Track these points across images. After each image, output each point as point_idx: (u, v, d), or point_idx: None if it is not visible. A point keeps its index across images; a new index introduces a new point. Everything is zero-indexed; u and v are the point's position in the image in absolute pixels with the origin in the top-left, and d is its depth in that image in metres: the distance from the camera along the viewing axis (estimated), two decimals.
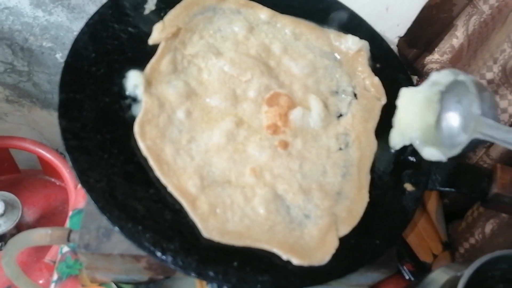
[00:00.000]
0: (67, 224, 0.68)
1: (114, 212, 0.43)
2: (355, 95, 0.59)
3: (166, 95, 0.51)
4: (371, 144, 0.55)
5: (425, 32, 0.94)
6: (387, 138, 0.55)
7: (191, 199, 0.46)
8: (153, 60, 0.53)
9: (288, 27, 0.62)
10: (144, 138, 0.48)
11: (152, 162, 0.47)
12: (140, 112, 0.49)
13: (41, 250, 0.98)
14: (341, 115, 0.57)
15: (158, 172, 0.46)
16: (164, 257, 0.42)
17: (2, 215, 0.95)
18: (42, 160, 1.13)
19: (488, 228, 0.67)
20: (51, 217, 1.11)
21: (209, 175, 0.48)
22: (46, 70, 1.01)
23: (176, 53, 0.55)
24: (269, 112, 0.54)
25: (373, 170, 0.53)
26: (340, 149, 0.54)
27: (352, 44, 0.62)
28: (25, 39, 0.93)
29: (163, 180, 0.46)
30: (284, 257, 0.44)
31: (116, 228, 0.42)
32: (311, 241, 0.46)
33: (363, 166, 0.53)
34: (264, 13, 0.62)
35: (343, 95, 0.58)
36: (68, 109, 0.47)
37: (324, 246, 0.46)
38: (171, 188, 0.46)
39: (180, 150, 0.49)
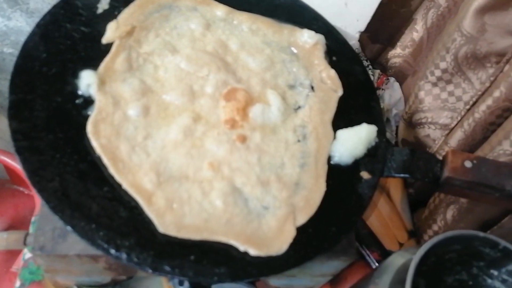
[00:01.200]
0: (30, 229, 0.67)
1: (67, 212, 0.42)
2: (312, 88, 0.59)
3: (121, 92, 0.51)
4: (328, 135, 0.55)
5: (387, 27, 0.96)
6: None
7: (146, 196, 0.46)
8: (107, 59, 0.53)
9: (245, 23, 0.63)
10: (98, 137, 0.47)
11: (106, 160, 0.46)
12: (93, 111, 0.49)
13: (9, 261, 0.96)
14: (299, 108, 0.57)
15: (112, 170, 0.46)
16: (118, 254, 0.41)
17: None
18: (9, 169, 1.11)
19: (449, 214, 0.68)
20: (20, 226, 1.09)
21: (165, 171, 0.48)
22: (8, 76, 0.99)
23: (131, 52, 0.55)
24: (226, 107, 0.54)
25: (330, 160, 0.54)
26: (298, 141, 0.54)
27: (308, 38, 0.62)
28: None
29: (118, 177, 0.46)
30: (241, 248, 0.44)
31: (69, 227, 0.41)
32: (269, 231, 0.47)
33: (321, 157, 0.53)
34: (220, 10, 0.63)
35: (300, 88, 0.59)
36: (18, 110, 0.46)
37: (281, 236, 0.46)
38: (126, 185, 0.46)
39: (136, 147, 0.48)
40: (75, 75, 0.50)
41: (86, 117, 0.48)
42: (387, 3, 0.88)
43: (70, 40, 0.53)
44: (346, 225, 0.49)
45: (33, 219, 0.67)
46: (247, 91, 0.56)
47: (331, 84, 0.60)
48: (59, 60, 0.51)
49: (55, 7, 0.54)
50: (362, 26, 0.87)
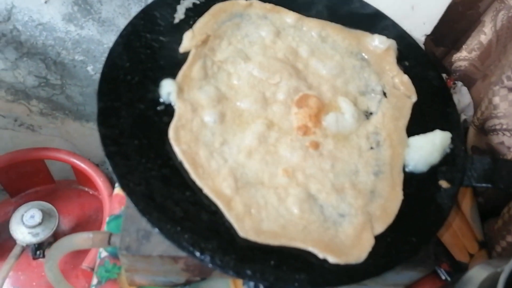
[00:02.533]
0: (104, 228, 0.70)
1: (154, 214, 0.44)
2: (384, 93, 0.59)
3: (198, 100, 0.53)
4: (403, 142, 0.55)
5: (452, 29, 0.93)
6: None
7: (226, 200, 0.47)
8: (184, 67, 0.55)
9: (314, 29, 0.63)
10: (179, 143, 0.49)
11: (187, 166, 0.48)
12: (174, 117, 0.51)
13: (78, 257, 1.01)
14: (371, 114, 0.57)
15: (193, 175, 0.48)
16: (202, 256, 0.43)
17: (40, 223, 0.99)
18: (76, 170, 1.16)
19: None
20: (85, 225, 1.14)
21: (242, 177, 0.49)
22: (78, 82, 1.05)
23: (206, 60, 0.56)
24: (299, 113, 0.54)
25: (405, 168, 0.53)
26: (372, 148, 0.54)
27: (379, 43, 0.62)
28: (57, 53, 0.97)
29: (199, 182, 0.47)
30: (320, 255, 0.45)
31: (156, 230, 0.43)
32: (346, 239, 0.47)
33: (396, 164, 0.53)
34: (290, 17, 0.63)
35: (372, 94, 0.58)
36: (106, 117, 0.48)
37: (360, 244, 0.46)
38: (206, 190, 0.47)
39: (213, 153, 0.50)
40: (156, 84, 0.53)
41: (167, 123, 0.50)
42: (453, 5, 0.85)
43: (150, 49, 0.55)
44: (425, 236, 0.48)
45: (107, 219, 0.70)
46: (319, 97, 0.56)
47: (404, 90, 0.59)
48: (140, 68, 0.53)
49: (135, 18, 0.57)
50: (429, 29, 0.85)
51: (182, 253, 0.43)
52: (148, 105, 0.51)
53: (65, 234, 1.11)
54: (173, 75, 0.54)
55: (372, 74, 0.60)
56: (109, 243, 0.52)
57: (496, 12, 0.84)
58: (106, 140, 0.47)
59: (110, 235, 0.52)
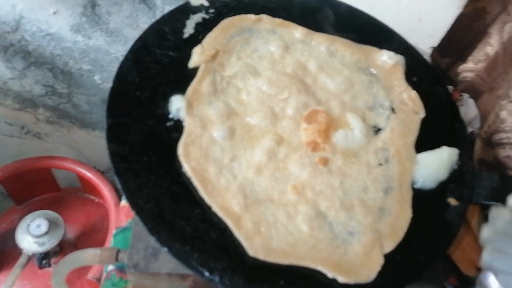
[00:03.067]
0: (111, 242, 0.70)
1: (163, 233, 0.44)
2: (392, 109, 0.59)
3: (208, 115, 0.53)
4: (411, 158, 0.55)
5: (458, 41, 0.93)
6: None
7: (235, 218, 0.47)
8: (194, 83, 0.55)
9: (323, 44, 0.63)
10: (189, 160, 0.49)
11: (196, 183, 0.48)
12: (183, 133, 0.51)
13: (83, 268, 1.00)
14: (379, 130, 0.57)
15: (202, 192, 0.48)
16: (212, 276, 0.42)
17: (46, 233, 0.99)
18: (81, 179, 1.17)
19: None
20: (91, 233, 1.14)
21: (252, 194, 0.49)
22: (85, 91, 1.05)
23: (215, 75, 0.57)
24: (308, 129, 0.54)
25: (413, 185, 0.53)
26: (380, 164, 0.54)
27: (388, 58, 0.62)
28: (65, 62, 0.97)
29: (208, 200, 0.47)
30: (330, 275, 0.44)
31: (165, 249, 0.43)
32: (355, 258, 0.46)
33: (405, 181, 0.53)
34: (298, 32, 0.63)
35: (380, 110, 0.58)
36: (116, 133, 0.48)
37: (369, 263, 0.46)
38: (215, 208, 0.47)
39: (223, 169, 0.50)
40: (165, 99, 0.53)
41: (176, 139, 0.50)
42: (460, 17, 0.85)
43: (160, 64, 0.55)
44: (434, 254, 0.48)
45: (114, 231, 0.70)
46: (328, 113, 0.56)
47: (412, 106, 0.59)
48: (150, 84, 0.53)
49: (144, 33, 0.57)
50: (436, 41, 0.85)
51: (190, 271, 0.43)
52: (158, 121, 0.51)
53: (71, 242, 1.12)
54: (182, 90, 0.54)
55: (381, 89, 0.60)
56: (116, 259, 0.52)
57: (503, 24, 0.84)
58: (116, 157, 0.47)
59: (118, 251, 0.52)
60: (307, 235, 0.47)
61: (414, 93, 0.60)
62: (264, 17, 0.63)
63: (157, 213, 0.45)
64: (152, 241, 0.49)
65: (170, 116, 0.52)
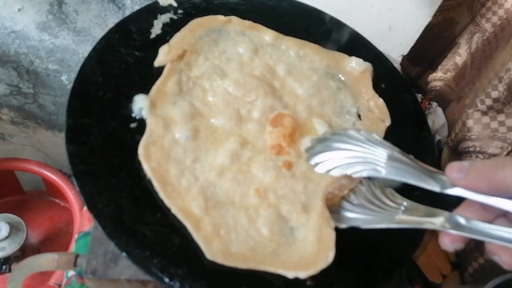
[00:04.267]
0: (73, 247, 0.68)
1: (122, 238, 0.42)
2: (359, 116, 0.59)
3: (171, 115, 0.52)
4: None
5: (428, 50, 0.95)
6: None
7: (195, 221, 0.46)
8: (158, 82, 0.53)
9: (293, 48, 0.63)
10: (149, 160, 0.48)
11: (156, 184, 0.47)
12: (145, 133, 0.49)
13: (45, 273, 0.97)
14: None
15: (162, 194, 0.46)
16: (172, 282, 0.41)
17: (7, 237, 0.95)
18: (46, 182, 1.13)
19: None
20: (55, 238, 1.11)
21: (213, 196, 0.48)
22: (52, 92, 1.02)
23: (181, 75, 0.55)
24: (273, 132, 0.54)
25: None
26: None
27: (356, 65, 0.62)
28: (30, 61, 0.94)
29: (167, 201, 0.46)
30: (290, 275, 0.43)
31: (124, 254, 0.42)
32: (312, 248, 0.46)
33: None
34: (268, 35, 0.63)
35: (347, 116, 0.58)
36: (75, 134, 0.47)
37: (323, 244, 0.45)
38: (174, 210, 0.46)
39: (184, 171, 0.49)
40: (129, 100, 0.51)
41: (139, 141, 0.49)
42: (430, 27, 0.86)
43: (125, 64, 0.54)
44: (400, 260, 0.48)
45: (76, 236, 0.67)
46: (294, 117, 0.56)
47: (378, 114, 0.59)
48: (114, 84, 0.52)
49: (110, 31, 0.55)
50: (406, 50, 0.86)
51: (150, 277, 0.42)
52: (121, 122, 0.50)
53: (33, 247, 1.08)
54: (147, 91, 0.52)
55: (348, 96, 0.60)
56: (75, 265, 0.50)
57: (471, 34, 0.86)
58: (74, 158, 0.45)
59: (77, 256, 0.50)
60: (267, 239, 0.46)
61: (381, 101, 0.60)
62: (234, 18, 0.62)
63: (117, 217, 0.43)
64: (111, 246, 0.47)
65: (133, 115, 0.50)
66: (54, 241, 1.09)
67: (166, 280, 0.41)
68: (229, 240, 0.45)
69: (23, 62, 0.94)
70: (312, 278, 0.44)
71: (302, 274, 0.43)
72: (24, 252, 1.03)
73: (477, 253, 0.71)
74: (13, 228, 0.97)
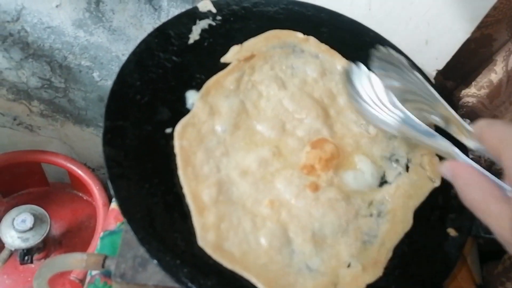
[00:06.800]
0: (98, 245, 0.68)
1: (153, 244, 0.42)
2: (407, 167, 0.55)
3: (219, 106, 0.53)
4: (406, 222, 0.51)
5: (463, 65, 0.93)
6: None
7: (200, 206, 0.46)
8: (220, 74, 0.55)
9: None
10: (182, 138, 0.49)
11: (179, 161, 0.47)
12: (188, 114, 0.51)
13: None
14: (385, 183, 0.54)
15: (180, 171, 0.47)
16: None
17: (31, 229, 0.97)
18: (71, 175, 1.15)
19: None
20: (77, 232, 1.12)
21: (227, 192, 0.48)
22: (82, 87, 1.03)
23: (244, 75, 0.56)
24: (310, 153, 0.52)
25: (419, 212, 0.51)
26: (371, 215, 0.51)
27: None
28: (64, 57, 0.95)
29: (182, 179, 0.47)
30: None
31: (155, 261, 0.42)
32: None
33: (388, 241, 0.49)
34: (341, 63, 0.61)
35: (394, 164, 0.55)
36: (112, 137, 0.47)
37: None
38: (186, 190, 0.46)
39: (210, 159, 0.49)
40: (165, 105, 0.51)
41: (173, 147, 0.49)
42: (467, 42, 0.85)
43: (162, 69, 0.54)
44: (431, 286, 0.47)
45: (101, 234, 0.68)
46: (337, 146, 0.54)
47: (429, 172, 0.55)
48: (151, 88, 0.52)
49: (149, 35, 0.56)
50: (441, 64, 0.84)
51: (179, 286, 0.42)
52: (156, 126, 0.50)
53: (55, 240, 1.09)
54: (183, 97, 0.52)
55: (404, 144, 0.56)
56: (103, 266, 0.50)
57: (508, 52, 0.83)
58: (110, 161, 0.45)
59: (105, 258, 0.50)
60: (263, 250, 0.45)
61: (436, 160, 0.56)
62: (312, 39, 0.62)
63: (149, 223, 0.43)
64: (141, 250, 0.47)
65: (186, 106, 0.52)
66: (76, 234, 1.11)
67: None
68: (226, 236, 0.45)
69: (57, 57, 0.95)
70: None
71: None
72: (46, 244, 1.04)
73: (504, 278, 0.69)
74: (37, 220, 0.98)
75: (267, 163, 0.50)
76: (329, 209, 0.48)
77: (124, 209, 0.43)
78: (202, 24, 0.59)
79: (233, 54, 0.57)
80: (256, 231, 0.46)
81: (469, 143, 0.43)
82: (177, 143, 0.48)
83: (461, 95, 0.94)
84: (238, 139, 0.51)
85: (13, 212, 0.98)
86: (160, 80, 0.53)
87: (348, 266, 0.46)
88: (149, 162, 0.47)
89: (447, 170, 0.36)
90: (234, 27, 0.60)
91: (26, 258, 0.98)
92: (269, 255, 0.45)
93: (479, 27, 0.84)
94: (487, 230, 0.50)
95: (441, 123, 0.49)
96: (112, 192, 0.44)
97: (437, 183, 0.54)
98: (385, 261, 0.48)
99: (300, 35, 0.62)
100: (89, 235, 1.06)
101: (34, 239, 0.97)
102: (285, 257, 0.45)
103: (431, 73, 0.85)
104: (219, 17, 0.60)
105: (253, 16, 0.62)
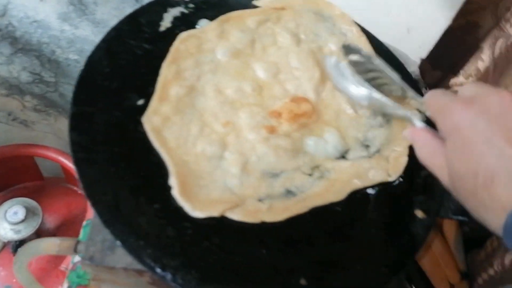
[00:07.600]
0: (80, 233, 0.69)
1: (118, 226, 0.43)
2: (373, 155, 0.54)
3: (230, 35, 0.58)
4: (338, 195, 0.50)
5: (450, 54, 0.92)
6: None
7: (164, 96, 0.51)
8: (247, 10, 0.61)
9: None
10: (182, 42, 0.56)
11: (169, 56, 0.54)
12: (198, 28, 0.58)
13: (59, 258, 1.00)
14: (343, 157, 0.53)
15: (165, 64, 0.53)
16: (163, 273, 0.41)
17: (23, 221, 0.98)
18: (64, 169, 1.16)
19: (508, 259, 0.64)
20: (70, 225, 1.13)
21: (194, 98, 0.52)
22: (72, 81, 1.04)
23: (267, 21, 0.60)
24: (286, 104, 0.54)
25: (385, 193, 0.51)
26: (310, 175, 0.51)
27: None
28: (52, 51, 0.96)
29: (163, 69, 0.53)
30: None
31: (119, 242, 0.42)
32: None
33: (310, 201, 0.49)
34: (366, 48, 0.63)
35: (362, 148, 0.55)
36: (79, 122, 0.48)
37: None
38: (160, 78, 0.52)
39: (196, 69, 0.54)
40: (134, 91, 0.52)
41: (142, 132, 0.49)
42: (452, 30, 0.84)
43: (133, 56, 0.54)
44: (397, 265, 0.47)
45: (84, 223, 0.69)
46: (316, 110, 0.55)
47: (391, 166, 0.54)
48: (121, 75, 0.52)
49: (120, 22, 0.56)
50: (424, 52, 0.84)
51: (143, 267, 0.42)
52: (125, 112, 0.50)
53: (49, 232, 1.10)
54: (153, 83, 0.53)
55: (382, 136, 0.56)
56: (75, 250, 0.51)
57: (495, 39, 0.83)
58: (76, 146, 0.46)
59: (77, 242, 0.51)
60: (194, 152, 0.49)
61: (403, 160, 0.54)
62: (347, 17, 0.65)
63: (114, 206, 0.44)
64: (110, 234, 0.48)
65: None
66: (69, 227, 1.12)
67: (158, 270, 0.41)
68: (169, 126, 0.49)
69: (45, 51, 0.96)
70: (306, 278, 0.44)
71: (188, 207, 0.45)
72: (40, 236, 1.05)
73: (487, 264, 0.69)
74: (29, 212, 1.00)
75: (243, 94, 0.53)
76: (272, 152, 0.50)
77: (89, 193, 0.44)
78: (174, 11, 0.59)
79: (267, 1, 0.61)
80: (199, 136, 0.49)
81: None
82: (175, 44, 0.54)
83: (449, 84, 0.94)
84: (230, 66, 0.55)
85: (5, 205, 0.99)
86: (130, 67, 0.53)
87: (259, 200, 0.48)
88: (117, 146, 0.48)
89: (408, 134, 0.43)
90: (207, 14, 0.60)
91: (18, 250, 0.99)
92: (197, 157, 0.48)
93: (463, 14, 0.83)
94: (456, 212, 0.50)
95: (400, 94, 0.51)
96: (77, 176, 0.45)
97: (392, 179, 0.53)
98: (294, 213, 0.47)
99: (338, 10, 0.64)
100: (80, 228, 1.06)
101: (26, 231, 0.98)
102: (210, 166, 0.48)
103: (416, 61, 0.85)
104: (191, 5, 0.60)
105: (225, 4, 0.62)
